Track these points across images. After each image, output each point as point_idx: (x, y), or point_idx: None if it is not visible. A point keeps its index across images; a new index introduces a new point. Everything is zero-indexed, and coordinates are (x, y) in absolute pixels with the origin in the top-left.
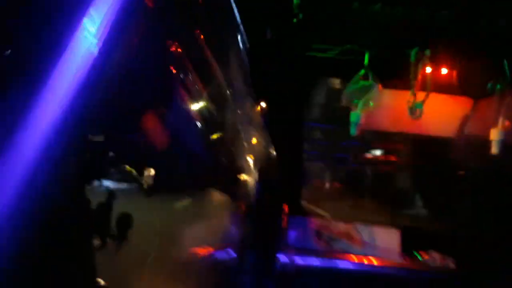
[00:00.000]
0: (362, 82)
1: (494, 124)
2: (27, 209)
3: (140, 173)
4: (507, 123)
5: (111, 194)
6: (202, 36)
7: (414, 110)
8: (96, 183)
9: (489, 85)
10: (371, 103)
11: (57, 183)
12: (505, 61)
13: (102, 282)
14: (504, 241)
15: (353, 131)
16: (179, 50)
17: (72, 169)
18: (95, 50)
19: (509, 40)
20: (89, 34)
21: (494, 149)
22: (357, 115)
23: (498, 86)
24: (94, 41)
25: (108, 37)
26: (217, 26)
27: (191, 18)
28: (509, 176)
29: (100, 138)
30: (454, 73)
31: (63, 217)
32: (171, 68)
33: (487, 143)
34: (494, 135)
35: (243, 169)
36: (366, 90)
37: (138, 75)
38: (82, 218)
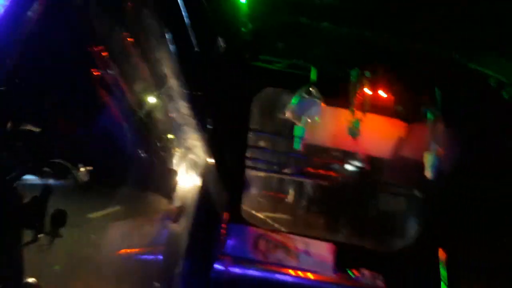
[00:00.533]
0: (307, 98)
1: (428, 149)
2: None
3: (75, 169)
4: (439, 149)
5: (44, 189)
6: (129, 37)
7: (353, 128)
8: (28, 177)
9: (422, 110)
10: (316, 119)
11: None
12: (437, 90)
13: (31, 279)
14: (431, 260)
15: (297, 145)
16: (101, 48)
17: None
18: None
19: (441, 70)
20: None
21: (428, 174)
22: (301, 129)
23: (430, 113)
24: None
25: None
26: (153, 28)
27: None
28: (440, 199)
29: (32, 128)
30: (391, 96)
31: None
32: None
33: (420, 166)
34: (428, 160)
35: (181, 173)
36: (310, 105)
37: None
38: (12, 213)
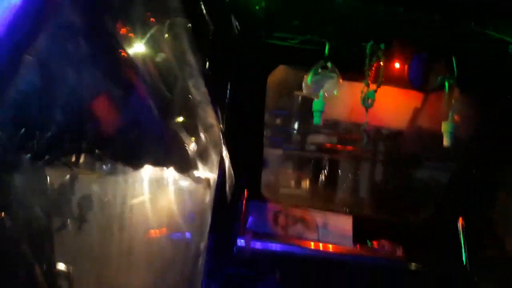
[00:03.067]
0: (323, 73)
1: (445, 117)
2: None
3: (99, 156)
4: (456, 117)
5: (72, 175)
6: (149, 14)
7: (366, 99)
8: (56, 163)
9: (438, 80)
10: (335, 92)
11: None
12: (453, 58)
13: (62, 266)
14: (450, 230)
15: (317, 120)
16: (126, 29)
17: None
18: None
19: (457, 38)
20: None
21: (446, 142)
22: (320, 103)
23: (447, 81)
24: None
25: None
26: (174, 10)
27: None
28: (459, 168)
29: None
30: (406, 67)
31: (18, 197)
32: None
33: (438, 136)
34: (445, 127)
35: (201, 152)
36: (327, 80)
37: (77, 39)
38: (41, 198)
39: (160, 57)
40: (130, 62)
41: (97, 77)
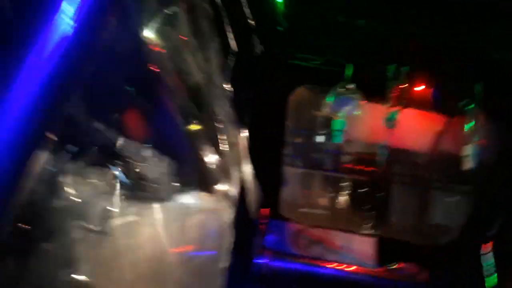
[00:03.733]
0: (345, 93)
1: (467, 141)
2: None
3: (125, 168)
4: (479, 141)
5: (94, 185)
6: (184, 37)
7: (389, 120)
8: (79, 174)
9: (462, 103)
10: (356, 112)
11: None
12: (478, 84)
13: (82, 277)
14: (476, 254)
15: (338, 139)
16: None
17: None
18: (70, 33)
19: (482, 63)
20: (66, 16)
21: (466, 165)
22: (341, 122)
23: (471, 106)
24: (71, 23)
25: (85, 20)
26: (202, 28)
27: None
28: (483, 193)
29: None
30: (430, 90)
31: (42, 207)
32: (150, 59)
33: (459, 159)
34: (465, 151)
35: (224, 170)
36: (348, 101)
37: (115, 62)
38: (63, 208)
39: (190, 78)
40: (161, 79)
41: (130, 92)
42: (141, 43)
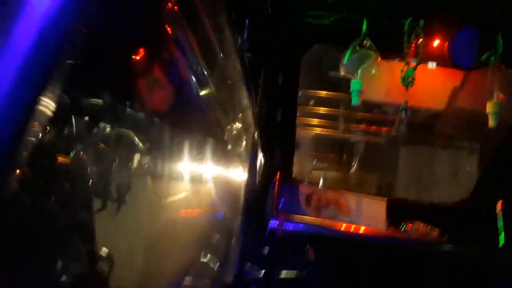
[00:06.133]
0: (360, 51)
1: (489, 97)
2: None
3: (139, 139)
4: (501, 96)
5: (110, 159)
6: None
7: (406, 78)
8: (94, 145)
9: (483, 57)
10: (373, 71)
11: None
12: (499, 34)
13: (104, 250)
14: (487, 212)
15: (356, 100)
16: (176, 8)
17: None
18: None
19: (503, 12)
20: None
21: (491, 122)
22: (358, 83)
23: (492, 59)
24: None
25: None
26: None
27: None
28: (498, 151)
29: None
30: (446, 44)
31: (61, 178)
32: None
33: (479, 116)
34: (490, 108)
35: (237, 134)
36: (365, 58)
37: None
38: (81, 179)
39: (201, 33)
40: (173, 36)
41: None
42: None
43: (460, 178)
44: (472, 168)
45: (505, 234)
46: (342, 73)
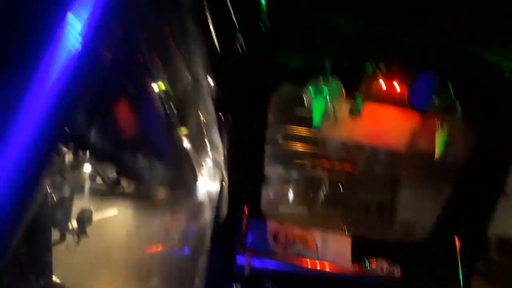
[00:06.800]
0: (326, 89)
1: (441, 137)
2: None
3: (105, 170)
4: (453, 137)
5: (72, 188)
6: (170, 34)
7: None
8: (57, 176)
9: (436, 101)
10: (337, 105)
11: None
12: (450, 81)
13: (57, 279)
14: (449, 250)
15: (318, 122)
16: (150, 46)
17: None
18: (79, 47)
19: (453, 61)
20: (74, 31)
21: (437, 153)
22: (322, 105)
23: (445, 103)
24: (79, 37)
25: (91, 34)
26: (186, 26)
27: (161, 14)
28: (455, 189)
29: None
30: (404, 87)
31: (23, 209)
32: (142, 61)
33: (433, 155)
34: (439, 138)
35: (205, 168)
36: (331, 96)
37: (117, 69)
38: (42, 210)
39: (176, 79)
40: (147, 73)
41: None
42: (134, 50)
43: (422, 216)
44: (434, 207)
45: (462, 270)
46: (307, 105)
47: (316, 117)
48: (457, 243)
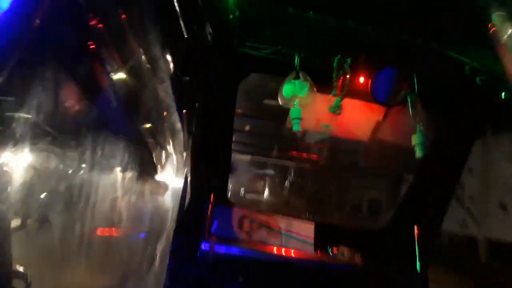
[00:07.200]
0: (297, 82)
1: (413, 131)
2: None
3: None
4: (423, 129)
5: (32, 172)
6: (124, 16)
7: (334, 107)
8: (15, 157)
9: (401, 94)
10: (308, 100)
11: None
12: (414, 74)
13: (18, 267)
14: (407, 236)
15: (297, 127)
16: (100, 25)
17: None
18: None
19: (418, 56)
20: None
21: (418, 153)
22: (298, 110)
23: (410, 97)
24: None
25: None
26: (147, 12)
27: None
28: (416, 179)
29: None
30: (370, 82)
31: None
32: (91, 40)
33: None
34: (416, 140)
35: (167, 156)
36: (301, 90)
37: (54, 38)
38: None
39: (132, 61)
40: (102, 61)
41: (70, 72)
42: (82, 18)
43: (383, 204)
44: (393, 195)
45: (420, 258)
46: (280, 102)
47: (295, 123)
48: (416, 232)
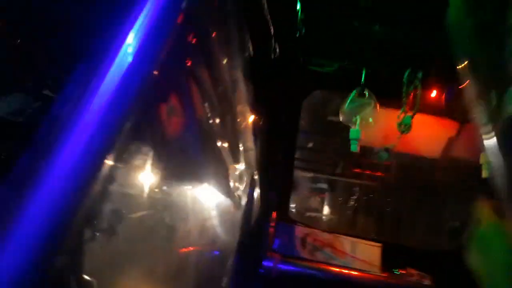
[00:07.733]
0: (360, 100)
1: (482, 148)
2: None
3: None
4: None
5: (104, 185)
6: (216, 41)
7: (403, 125)
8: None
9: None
10: (370, 120)
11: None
12: (493, 90)
13: (87, 278)
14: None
15: (354, 147)
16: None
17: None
18: (130, 60)
19: (497, 71)
20: (128, 45)
21: (484, 173)
22: (357, 131)
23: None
24: (131, 50)
25: (143, 47)
26: (230, 31)
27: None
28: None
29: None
30: (443, 96)
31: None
32: (189, 74)
33: (471, 166)
34: (483, 159)
35: (239, 175)
36: (364, 107)
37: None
38: (71, 211)
39: (219, 83)
40: (190, 69)
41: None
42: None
43: (458, 225)
44: (465, 216)
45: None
46: (341, 119)
47: (353, 144)
48: None
